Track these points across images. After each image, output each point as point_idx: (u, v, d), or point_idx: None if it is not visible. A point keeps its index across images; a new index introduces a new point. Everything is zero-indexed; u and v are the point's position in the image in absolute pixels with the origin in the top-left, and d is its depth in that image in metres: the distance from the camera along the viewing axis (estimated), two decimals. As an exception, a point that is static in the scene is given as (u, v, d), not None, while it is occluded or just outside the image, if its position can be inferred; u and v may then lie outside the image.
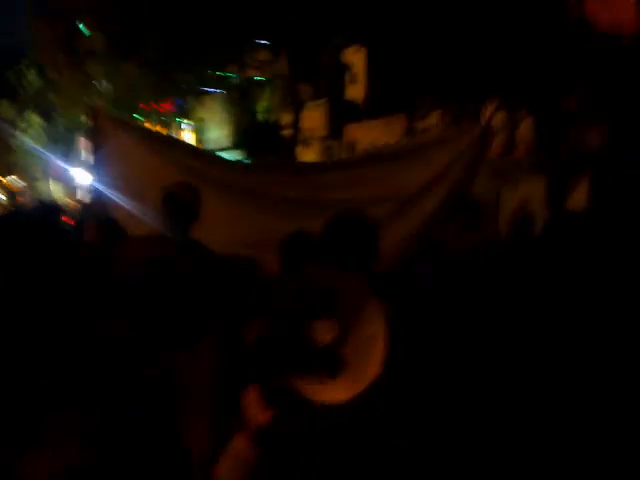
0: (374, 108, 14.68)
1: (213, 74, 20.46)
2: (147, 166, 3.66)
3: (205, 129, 21.96)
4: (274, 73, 16.79)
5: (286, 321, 1.69)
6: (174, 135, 20.68)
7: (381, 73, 15.00)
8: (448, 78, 12.30)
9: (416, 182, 3.64)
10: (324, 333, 1.69)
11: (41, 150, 22.31)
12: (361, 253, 2.05)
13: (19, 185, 27.08)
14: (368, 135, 14.13)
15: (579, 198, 6.66)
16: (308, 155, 16.19)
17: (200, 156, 4.03)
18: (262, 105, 18.01)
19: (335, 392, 1.58)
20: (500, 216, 6.07)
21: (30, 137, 23.00)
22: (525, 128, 9.39)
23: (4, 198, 26.16)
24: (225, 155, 18.26)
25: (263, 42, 17.46)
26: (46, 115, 22.68)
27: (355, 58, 15.75)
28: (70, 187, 22.94)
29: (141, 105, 20.62)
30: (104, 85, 19.99)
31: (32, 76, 22.58)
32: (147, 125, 21.40)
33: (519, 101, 9.36)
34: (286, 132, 16.59)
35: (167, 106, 21.40)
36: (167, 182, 3.20)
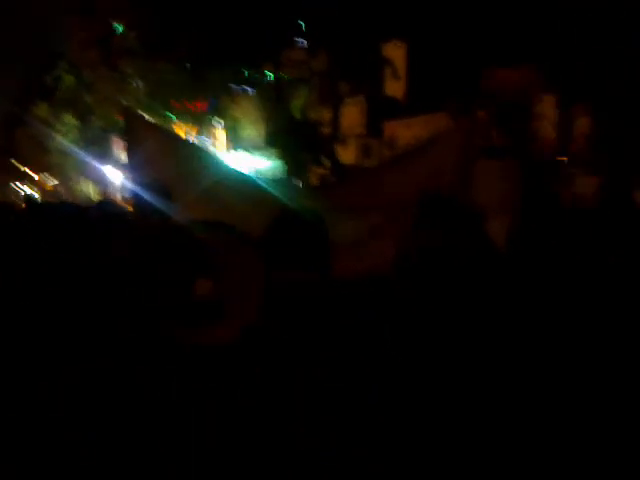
0: (415, 105, 14.25)
1: (248, 72, 20.30)
2: (162, 166, 3.58)
3: (239, 128, 21.88)
4: (311, 71, 16.45)
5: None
6: (203, 135, 20.83)
7: (422, 69, 14.55)
8: (491, 73, 11.77)
9: (409, 188, 3.43)
10: (204, 289, 2.26)
11: (75, 150, 22.69)
12: (300, 256, 1.92)
13: (51, 183, 27.47)
14: (408, 132, 13.71)
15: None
16: (346, 153, 15.78)
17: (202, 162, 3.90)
18: (298, 103, 17.70)
19: (215, 335, 2.00)
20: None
21: (65, 137, 23.31)
22: (582, 124, 8.84)
23: (36, 195, 26.62)
24: (259, 154, 18.50)
25: (299, 40, 17.18)
26: (81, 116, 22.95)
27: (395, 54, 15.30)
28: (103, 185, 23.16)
29: (174, 103, 20.59)
30: (138, 84, 20.04)
31: (68, 77, 22.76)
32: (179, 124, 21.42)
33: (576, 97, 8.84)
34: (323, 130, 16.22)
35: (200, 105, 21.33)
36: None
